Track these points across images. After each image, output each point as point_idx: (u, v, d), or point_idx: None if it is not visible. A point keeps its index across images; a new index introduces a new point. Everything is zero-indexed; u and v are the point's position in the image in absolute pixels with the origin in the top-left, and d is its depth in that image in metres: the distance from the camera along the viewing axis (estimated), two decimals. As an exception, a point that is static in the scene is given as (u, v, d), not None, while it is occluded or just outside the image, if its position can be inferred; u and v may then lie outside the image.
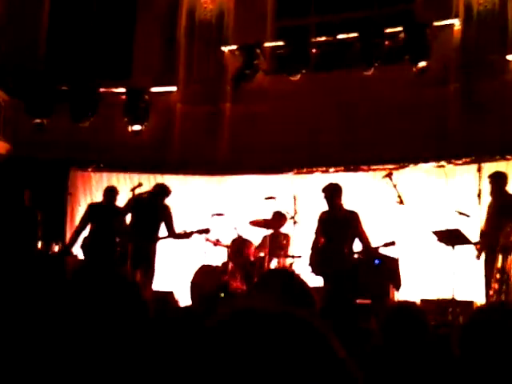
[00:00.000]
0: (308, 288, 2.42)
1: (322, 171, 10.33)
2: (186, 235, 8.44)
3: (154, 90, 11.31)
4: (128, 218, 8.68)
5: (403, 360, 2.82)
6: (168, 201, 9.13)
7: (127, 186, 10.33)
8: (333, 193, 8.18)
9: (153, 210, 8.56)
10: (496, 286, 7.49)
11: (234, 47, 11.08)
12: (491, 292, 7.50)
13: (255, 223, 8.88)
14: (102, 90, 11.35)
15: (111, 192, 9.16)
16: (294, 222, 8.38)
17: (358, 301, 7.42)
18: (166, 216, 8.65)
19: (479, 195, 7.88)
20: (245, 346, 0.85)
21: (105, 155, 11.06)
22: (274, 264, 8.47)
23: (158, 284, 8.81)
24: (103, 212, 9.01)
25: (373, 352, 2.98)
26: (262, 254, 8.55)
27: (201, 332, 0.90)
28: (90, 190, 11.04)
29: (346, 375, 0.87)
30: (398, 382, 2.66)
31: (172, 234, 8.63)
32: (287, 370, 0.83)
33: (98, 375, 1.54)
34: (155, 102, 11.28)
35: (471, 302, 7.83)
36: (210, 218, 8.87)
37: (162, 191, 8.79)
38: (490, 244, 7.73)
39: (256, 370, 0.83)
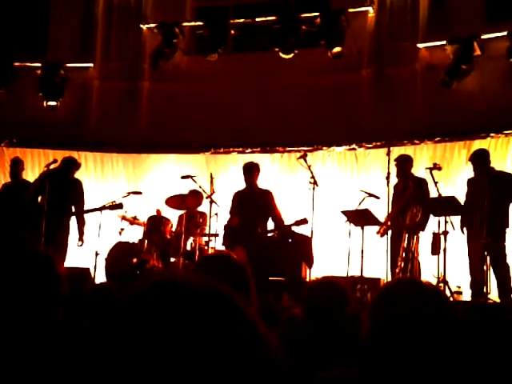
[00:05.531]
0: (246, 272, 2.39)
1: (239, 151, 10.46)
2: (97, 210, 8.42)
3: (71, 65, 11.10)
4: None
5: (323, 333, 2.89)
6: (84, 178, 9.07)
7: (42, 162, 10.19)
8: (251, 171, 8.37)
9: (63, 184, 8.50)
10: (402, 264, 7.84)
11: (153, 25, 10.98)
12: (397, 270, 7.84)
13: (171, 202, 8.91)
14: (16, 63, 11.06)
15: (15, 163, 9.10)
16: (211, 201, 8.49)
17: (271, 278, 7.64)
18: (75, 191, 8.63)
19: (388, 178, 8.19)
20: (161, 318, 0.81)
21: (19, 131, 10.81)
22: (190, 242, 8.57)
23: (74, 260, 8.77)
24: (12, 187, 8.93)
25: (292, 327, 3.03)
26: (178, 232, 8.61)
27: (114, 304, 0.86)
28: (2, 166, 10.79)
29: (265, 350, 0.84)
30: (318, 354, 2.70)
31: (79, 209, 8.62)
32: (204, 345, 0.80)
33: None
34: (72, 77, 11.05)
35: (378, 280, 8.14)
36: (126, 196, 8.85)
37: (70, 165, 8.74)
38: (396, 224, 8.08)
39: (173, 344, 0.79)
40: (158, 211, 9.03)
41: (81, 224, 8.64)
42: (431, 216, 7.84)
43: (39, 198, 8.55)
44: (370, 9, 10.29)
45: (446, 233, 7.46)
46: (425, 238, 7.90)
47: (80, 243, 8.59)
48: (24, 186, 8.88)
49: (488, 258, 7.49)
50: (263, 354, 0.83)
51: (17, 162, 9.16)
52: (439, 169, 7.80)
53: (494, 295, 7.53)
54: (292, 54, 10.10)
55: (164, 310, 0.82)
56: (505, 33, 9.19)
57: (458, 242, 7.95)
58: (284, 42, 10.11)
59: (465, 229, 7.85)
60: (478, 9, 9.72)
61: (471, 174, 8.10)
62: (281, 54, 10.13)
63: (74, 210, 8.68)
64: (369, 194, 8.16)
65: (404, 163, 8.31)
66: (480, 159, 7.96)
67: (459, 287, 8.27)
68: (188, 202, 8.73)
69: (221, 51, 10.45)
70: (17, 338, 1.50)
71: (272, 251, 7.92)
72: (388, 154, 8.28)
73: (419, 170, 8.53)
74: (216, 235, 8.51)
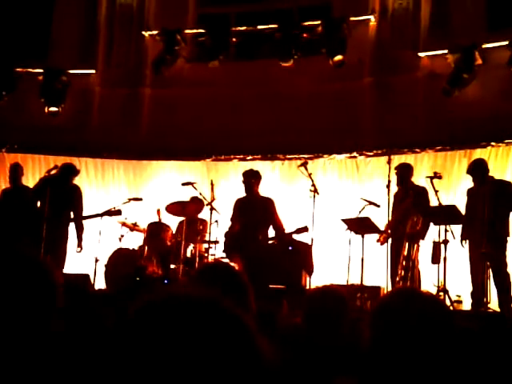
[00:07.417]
0: (245, 281, 2.39)
1: (240, 159, 10.46)
2: (95, 216, 8.41)
3: (73, 71, 11.11)
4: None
5: (322, 342, 2.88)
6: (85, 184, 9.05)
7: (42, 168, 10.19)
8: (251, 178, 8.38)
9: (62, 190, 8.48)
10: (402, 272, 7.83)
11: (155, 32, 11.01)
12: (397, 278, 7.83)
13: (171, 209, 8.90)
14: (18, 69, 11.08)
15: (14, 169, 9.08)
16: (211, 208, 8.48)
17: (271, 286, 7.63)
18: (74, 197, 8.62)
19: (388, 186, 8.20)
20: (164, 331, 0.84)
21: (20, 136, 10.80)
22: (190, 249, 8.55)
23: (74, 267, 8.76)
24: (11, 193, 8.92)
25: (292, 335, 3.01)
26: (178, 239, 8.59)
27: (124, 317, 0.89)
28: (3, 172, 10.78)
29: (260, 360, 0.86)
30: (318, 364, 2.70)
31: (78, 215, 8.60)
32: (205, 358, 0.82)
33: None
34: (73, 83, 11.05)
35: (378, 288, 8.13)
36: (127, 202, 8.85)
37: (68, 171, 8.72)
38: (396, 232, 8.07)
39: (176, 358, 0.82)
40: (158, 211, 9.00)
41: (79, 230, 8.62)
42: (431, 225, 7.83)
43: (38, 204, 8.54)
44: (371, 17, 10.30)
45: (446, 241, 7.45)
46: (425, 247, 7.89)
47: (79, 249, 8.58)
48: (23, 192, 8.87)
49: (488, 268, 7.47)
50: (258, 364, 0.85)
51: (16, 168, 9.14)
52: (439, 177, 7.80)
53: (494, 304, 7.52)
54: (293, 62, 10.12)
55: (166, 323, 0.85)
56: (506, 42, 9.20)
57: (458, 250, 7.93)
58: (285, 49, 10.13)
59: (464, 242, 7.81)
60: (480, 18, 9.74)
61: (471, 183, 8.09)
62: (282, 62, 10.14)
63: (72, 216, 8.66)
64: (369, 202, 8.16)
65: (404, 171, 8.31)
66: (479, 169, 7.95)
67: (459, 296, 8.26)
68: (188, 208, 8.70)
69: (222, 58, 10.48)
70: (6, 350, 1.47)
71: (272, 259, 7.91)
72: (389, 162, 8.29)
73: (420, 179, 8.53)
74: (216, 242, 8.50)
